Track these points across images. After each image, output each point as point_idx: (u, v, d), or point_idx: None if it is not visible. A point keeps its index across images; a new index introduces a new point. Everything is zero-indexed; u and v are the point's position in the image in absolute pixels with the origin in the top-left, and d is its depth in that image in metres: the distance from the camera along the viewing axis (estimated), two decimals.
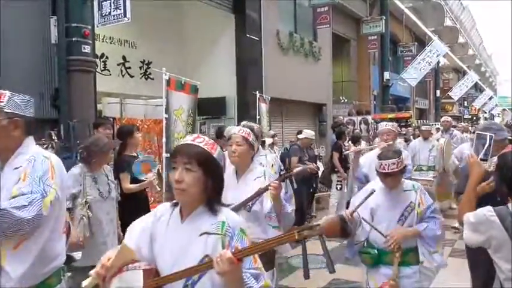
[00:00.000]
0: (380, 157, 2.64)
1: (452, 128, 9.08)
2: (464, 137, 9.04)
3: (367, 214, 2.64)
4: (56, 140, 4.40)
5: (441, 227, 2.71)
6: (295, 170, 2.79)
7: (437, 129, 9.82)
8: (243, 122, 3.32)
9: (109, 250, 1.60)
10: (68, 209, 2.68)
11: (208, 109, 8.85)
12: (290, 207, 2.73)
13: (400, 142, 8.04)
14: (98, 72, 6.33)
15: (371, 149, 4.86)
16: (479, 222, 1.84)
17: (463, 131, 10.66)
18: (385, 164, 2.54)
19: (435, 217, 2.70)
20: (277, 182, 2.50)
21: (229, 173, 2.72)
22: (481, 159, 2.20)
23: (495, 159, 2.61)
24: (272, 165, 2.86)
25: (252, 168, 2.73)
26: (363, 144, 7.58)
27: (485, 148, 2.29)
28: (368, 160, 4.11)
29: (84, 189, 3.16)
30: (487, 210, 1.82)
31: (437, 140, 7.78)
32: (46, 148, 3.79)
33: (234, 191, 2.53)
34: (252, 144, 2.72)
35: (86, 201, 3.13)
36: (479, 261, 2.31)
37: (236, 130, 2.80)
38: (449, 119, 9.33)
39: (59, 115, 5.08)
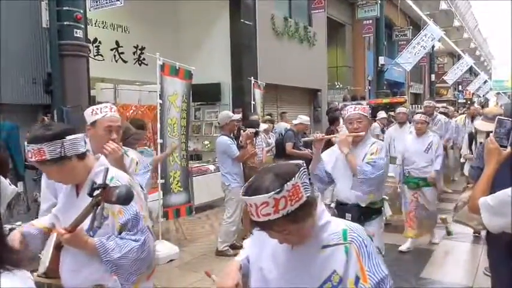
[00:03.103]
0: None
1: (436, 113, 7.86)
2: (448, 122, 8.01)
3: None
4: None
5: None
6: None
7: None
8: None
9: None
10: None
11: (203, 95, 8.83)
12: None
13: (375, 128, 7.39)
14: (91, 58, 6.27)
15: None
16: (500, 204, 1.78)
17: (450, 115, 9.32)
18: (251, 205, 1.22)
19: None
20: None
21: None
22: (501, 146, 2.11)
23: None
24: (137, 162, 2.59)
25: None
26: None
27: (506, 135, 2.15)
28: (334, 155, 3.08)
29: None
30: (510, 191, 1.75)
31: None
32: None
33: None
34: None
35: None
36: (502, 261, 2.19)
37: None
38: (432, 103, 7.98)
39: (51, 101, 5.06)
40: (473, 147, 5.45)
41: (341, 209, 3.05)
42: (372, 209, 3.02)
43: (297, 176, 1.17)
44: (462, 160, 5.91)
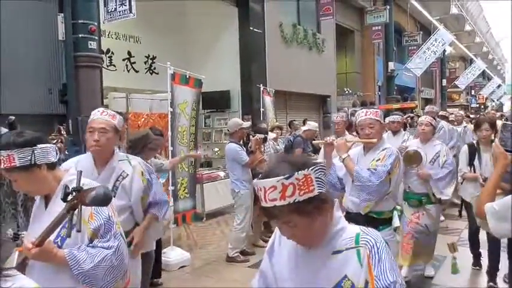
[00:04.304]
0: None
1: (438, 119, 6.92)
2: (453, 129, 7.35)
3: None
4: (64, 135, 4.53)
5: None
6: None
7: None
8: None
9: None
10: None
11: (213, 102, 8.96)
12: None
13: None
14: (104, 68, 6.45)
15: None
16: (507, 210, 1.77)
17: (459, 121, 8.26)
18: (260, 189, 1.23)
19: None
20: None
21: None
22: (506, 151, 2.13)
23: None
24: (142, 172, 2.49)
25: None
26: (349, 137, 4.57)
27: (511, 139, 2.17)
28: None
29: None
30: None
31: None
32: (55, 143, 3.92)
33: None
34: None
35: None
36: None
37: None
38: (435, 108, 7.63)
39: (67, 110, 5.23)
40: (475, 162, 4.06)
41: (347, 217, 2.96)
42: (378, 219, 2.85)
43: (311, 168, 1.16)
44: (460, 179, 4.29)
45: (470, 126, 8.85)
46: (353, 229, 1.30)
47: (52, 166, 1.69)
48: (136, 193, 2.43)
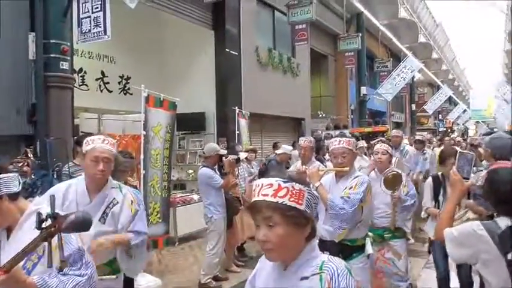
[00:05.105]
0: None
1: (403, 144, 7.04)
2: (418, 153, 7.15)
3: None
4: (31, 158, 4.36)
5: None
6: None
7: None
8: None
9: None
10: None
11: (188, 124, 8.89)
12: None
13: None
14: (76, 87, 6.32)
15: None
16: (465, 236, 1.83)
17: (421, 145, 7.55)
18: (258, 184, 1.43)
19: None
20: None
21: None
22: (463, 178, 2.23)
23: (483, 173, 2.63)
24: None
25: None
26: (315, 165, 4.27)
27: (468, 167, 2.29)
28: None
29: None
30: (476, 225, 1.82)
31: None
32: (21, 166, 3.76)
33: None
34: None
35: None
36: None
37: None
38: (400, 133, 7.09)
39: (35, 131, 5.06)
40: (440, 197, 3.69)
41: (320, 246, 2.95)
42: (351, 246, 2.88)
43: (306, 187, 1.32)
44: (423, 215, 3.98)
45: (437, 150, 9.31)
46: (321, 257, 1.38)
47: (14, 196, 1.62)
48: (124, 221, 2.44)
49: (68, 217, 1.41)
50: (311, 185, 2.88)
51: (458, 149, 3.59)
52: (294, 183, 1.28)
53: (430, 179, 3.88)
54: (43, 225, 1.40)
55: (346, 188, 2.90)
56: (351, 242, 2.90)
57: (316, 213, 2.87)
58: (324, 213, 2.90)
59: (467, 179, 2.20)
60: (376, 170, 3.81)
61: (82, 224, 1.43)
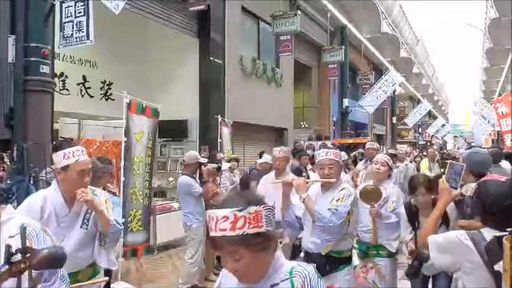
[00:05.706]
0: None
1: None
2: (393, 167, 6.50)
3: None
4: (7, 163, 4.25)
5: None
6: None
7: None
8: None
9: None
10: None
11: (170, 131, 8.83)
12: None
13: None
14: (57, 92, 6.22)
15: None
16: (450, 244, 1.85)
17: (400, 158, 7.55)
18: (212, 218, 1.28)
19: None
20: None
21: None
22: (451, 187, 2.29)
23: (472, 185, 2.62)
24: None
25: None
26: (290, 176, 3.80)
27: (456, 177, 2.36)
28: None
29: None
30: (461, 234, 1.84)
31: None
32: None
33: None
34: None
35: None
36: None
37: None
38: (375, 145, 6.65)
39: (12, 136, 4.95)
40: (418, 232, 3.05)
41: (306, 258, 2.89)
42: (338, 258, 2.86)
43: (262, 206, 1.24)
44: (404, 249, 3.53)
45: (424, 162, 9.03)
46: (289, 264, 1.37)
47: None
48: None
49: (39, 252, 1.33)
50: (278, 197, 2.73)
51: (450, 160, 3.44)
52: (249, 207, 1.21)
53: (402, 208, 3.40)
54: (12, 259, 1.30)
55: (333, 200, 2.86)
56: (337, 253, 2.87)
57: (298, 224, 2.95)
58: (311, 225, 2.86)
59: (456, 188, 2.28)
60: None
61: (54, 261, 1.37)
